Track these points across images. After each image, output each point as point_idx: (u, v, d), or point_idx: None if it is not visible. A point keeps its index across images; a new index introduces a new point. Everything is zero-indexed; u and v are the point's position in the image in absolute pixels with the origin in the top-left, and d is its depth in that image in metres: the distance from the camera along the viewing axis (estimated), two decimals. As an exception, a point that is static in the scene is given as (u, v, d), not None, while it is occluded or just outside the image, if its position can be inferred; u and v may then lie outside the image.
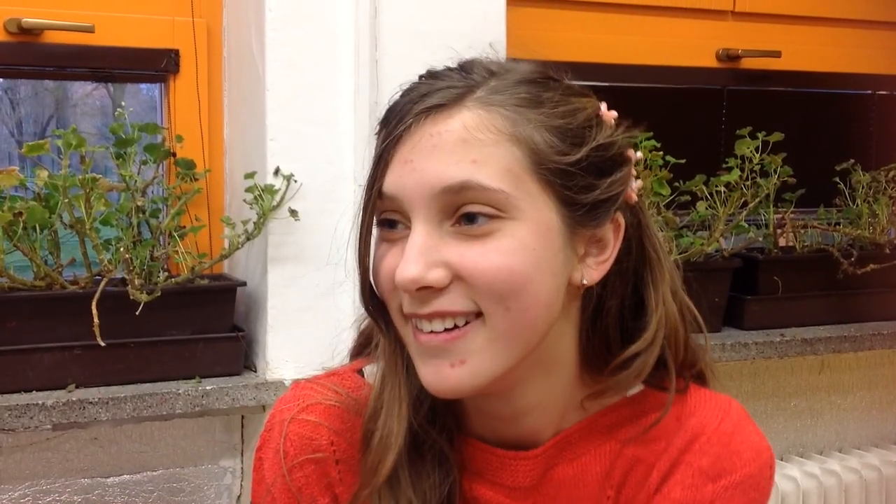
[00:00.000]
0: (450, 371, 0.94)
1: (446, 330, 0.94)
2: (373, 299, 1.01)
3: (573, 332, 1.03)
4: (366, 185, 0.97)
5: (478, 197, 0.91)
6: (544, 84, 0.98)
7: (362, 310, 1.06)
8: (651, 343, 1.02)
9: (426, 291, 0.93)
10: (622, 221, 1.01)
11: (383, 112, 0.99)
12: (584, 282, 0.99)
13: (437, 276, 0.92)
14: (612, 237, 1.00)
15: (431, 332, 0.94)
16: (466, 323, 0.94)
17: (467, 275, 0.92)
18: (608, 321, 1.04)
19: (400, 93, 0.98)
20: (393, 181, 0.94)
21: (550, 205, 0.94)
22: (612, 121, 1.01)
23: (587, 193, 0.96)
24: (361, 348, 1.15)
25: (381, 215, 0.97)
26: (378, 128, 0.99)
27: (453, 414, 1.06)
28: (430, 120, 0.93)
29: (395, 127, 0.94)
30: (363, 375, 1.10)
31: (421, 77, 0.99)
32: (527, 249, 0.92)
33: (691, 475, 1.05)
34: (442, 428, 1.04)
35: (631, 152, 1.03)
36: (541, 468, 1.05)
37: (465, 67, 0.98)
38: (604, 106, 1.02)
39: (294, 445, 1.05)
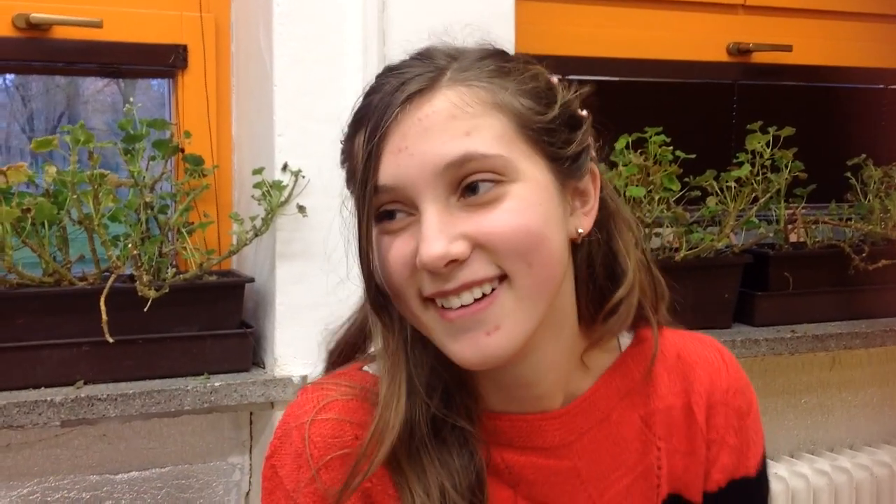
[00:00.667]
0: (487, 340, 0.96)
1: (476, 300, 0.96)
2: (378, 297, 1.02)
3: (571, 287, 1.07)
4: (357, 183, 0.98)
5: (479, 166, 0.94)
6: (503, 56, 1.02)
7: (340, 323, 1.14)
8: (633, 286, 1.08)
9: (450, 266, 0.94)
10: (598, 171, 1.06)
11: (352, 116, 1.00)
12: (580, 231, 1.03)
13: (460, 248, 0.94)
14: (592, 187, 1.05)
15: (461, 306, 0.96)
16: (493, 290, 0.96)
17: (486, 241, 0.95)
18: (600, 271, 1.09)
19: (364, 94, 1.00)
20: (390, 172, 0.95)
21: (542, 163, 0.98)
22: (557, 82, 1.05)
23: (567, 147, 1.01)
24: (349, 356, 1.15)
25: (378, 209, 0.98)
26: (349, 130, 1.01)
27: (469, 393, 1.07)
28: (414, 106, 0.95)
29: (379, 121, 0.95)
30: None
31: (381, 73, 1.00)
32: (534, 206, 0.96)
33: (735, 417, 1.16)
34: (460, 409, 1.05)
35: (581, 111, 1.06)
36: (567, 427, 1.09)
37: (425, 55, 1.00)
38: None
39: (318, 447, 1.04)
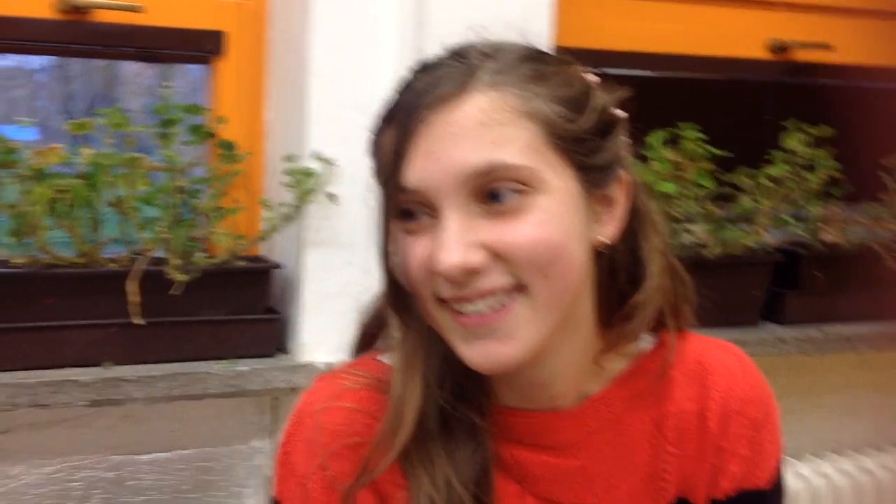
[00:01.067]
0: (499, 348, 0.96)
1: (491, 309, 0.96)
2: (396, 292, 1.03)
3: (591, 291, 1.07)
4: (382, 181, 0.99)
5: (505, 175, 0.94)
6: (540, 58, 1.00)
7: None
8: (652, 292, 1.07)
9: (467, 275, 0.94)
10: (627, 178, 1.05)
11: (384, 110, 1.00)
12: (603, 239, 1.03)
13: (478, 258, 0.94)
14: (621, 194, 1.04)
15: (476, 313, 0.96)
16: (509, 299, 0.96)
17: (505, 252, 0.94)
18: (622, 276, 1.08)
19: (399, 89, 0.99)
20: (416, 174, 0.95)
21: (569, 172, 0.97)
22: (595, 84, 1.04)
23: (597, 156, 1.00)
24: (365, 345, 1.16)
25: (400, 208, 0.98)
26: (379, 124, 1.01)
27: (482, 388, 1.07)
28: (445, 108, 0.94)
29: (407, 121, 0.95)
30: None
31: (415, 70, 1.00)
32: (557, 218, 0.95)
33: (750, 428, 1.12)
34: (471, 403, 1.06)
35: (618, 111, 1.05)
36: (578, 427, 1.09)
37: (460, 53, 0.99)
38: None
39: (329, 435, 1.05)
